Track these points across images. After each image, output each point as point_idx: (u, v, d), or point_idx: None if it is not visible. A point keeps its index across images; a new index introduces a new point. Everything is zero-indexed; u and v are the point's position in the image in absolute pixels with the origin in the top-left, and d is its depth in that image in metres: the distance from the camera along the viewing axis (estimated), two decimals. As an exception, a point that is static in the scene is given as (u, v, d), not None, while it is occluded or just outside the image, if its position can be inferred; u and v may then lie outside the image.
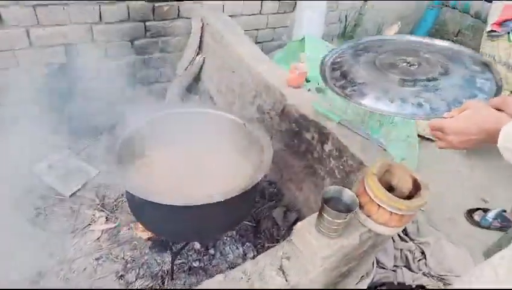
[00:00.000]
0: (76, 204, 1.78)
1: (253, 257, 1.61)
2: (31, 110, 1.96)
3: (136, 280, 1.46)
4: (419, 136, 2.56)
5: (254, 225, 1.73)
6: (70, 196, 1.81)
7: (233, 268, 1.56)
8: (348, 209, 1.18)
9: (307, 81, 2.30)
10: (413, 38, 1.39)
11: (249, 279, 1.12)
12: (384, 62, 1.23)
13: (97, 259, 1.52)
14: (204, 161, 1.48)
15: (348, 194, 1.19)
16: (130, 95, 2.42)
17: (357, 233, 1.23)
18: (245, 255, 1.60)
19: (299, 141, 1.75)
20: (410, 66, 1.19)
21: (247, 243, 1.63)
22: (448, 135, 0.84)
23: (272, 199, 1.88)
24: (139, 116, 1.47)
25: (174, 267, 1.47)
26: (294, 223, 1.78)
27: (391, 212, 1.12)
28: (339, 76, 1.24)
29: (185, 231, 1.35)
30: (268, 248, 1.65)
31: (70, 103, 2.08)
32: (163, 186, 1.31)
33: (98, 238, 1.61)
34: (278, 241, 1.68)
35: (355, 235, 1.23)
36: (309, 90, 2.21)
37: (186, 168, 1.44)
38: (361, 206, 1.19)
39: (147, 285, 1.44)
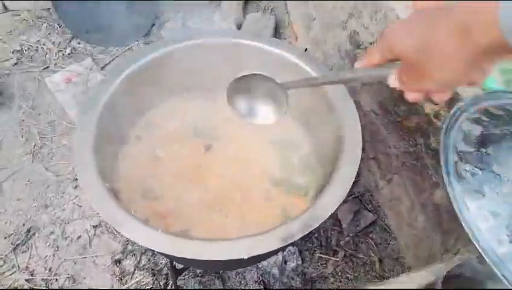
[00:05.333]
0: (90, 138, 1.40)
1: (296, 268, 1.15)
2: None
3: (134, 271, 1.10)
4: None
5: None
6: (85, 125, 1.43)
7: (263, 281, 1.14)
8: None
9: None
10: None
11: None
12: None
13: (95, 227, 1.19)
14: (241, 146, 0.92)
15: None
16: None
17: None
18: (285, 263, 1.13)
19: (409, 110, 1.05)
20: None
21: (290, 248, 1.14)
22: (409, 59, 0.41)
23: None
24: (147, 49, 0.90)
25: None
26: (367, 228, 1.22)
27: None
28: (476, 136, 0.67)
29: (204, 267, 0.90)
30: (320, 259, 1.16)
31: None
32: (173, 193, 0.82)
33: (102, 196, 1.26)
34: (335, 253, 1.16)
35: None
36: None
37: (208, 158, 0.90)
38: None
39: (145, 283, 1.08)
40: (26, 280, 1.10)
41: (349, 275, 1.13)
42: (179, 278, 1.07)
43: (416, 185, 1.10)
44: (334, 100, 0.83)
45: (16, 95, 1.46)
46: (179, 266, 1.04)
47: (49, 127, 1.41)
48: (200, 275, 1.08)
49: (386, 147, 1.17)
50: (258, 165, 0.92)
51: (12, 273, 1.12)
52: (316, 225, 0.69)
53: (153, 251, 1.13)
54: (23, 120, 1.41)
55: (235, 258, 0.60)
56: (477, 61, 0.37)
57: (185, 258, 0.61)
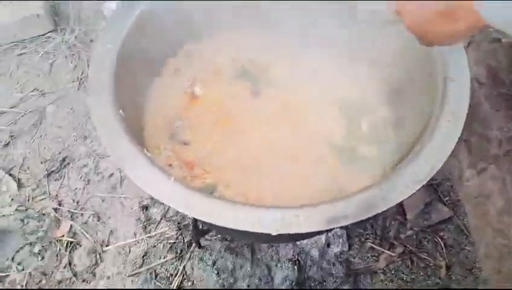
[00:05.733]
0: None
1: (340, 254, 0.97)
2: None
3: (160, 221, 1.00)
4: None
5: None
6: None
7: (299, 261, 0.98)
8: None
9: None
10: None
11: None
12: None
13: (128, 167, 1.10)
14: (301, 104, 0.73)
15: None
16: None
17: None
18: (328, 245, 0.96)
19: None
20: None
21: (337, 230, 0.96)
22: None
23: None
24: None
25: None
26: (438, 225, 0.99)
27: None
28: None
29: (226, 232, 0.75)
30: (371, 249, 0.96)
31: None
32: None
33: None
34: (392, 246, 0.95)
35: None
36: None
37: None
38: None
39: (169, 236, 0.98)
40: (53, 209, 1.06)
41: (404, 276, 0.93)
42: (205, 238, 0.95)
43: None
44: (435, 52, 0.60)
45: (71, 17, 1.39)
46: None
47: (99, 56, 1.33)
48: (228, 239, 0.95)
49: (486, 128, 0.90)
50: (315, 124, 0.74)
51: (43, 199, 1.09)
52: (380, 210, 0.52)
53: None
54: (74, 45, 1.34)
55: (259, 231, 0.43)
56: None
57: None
